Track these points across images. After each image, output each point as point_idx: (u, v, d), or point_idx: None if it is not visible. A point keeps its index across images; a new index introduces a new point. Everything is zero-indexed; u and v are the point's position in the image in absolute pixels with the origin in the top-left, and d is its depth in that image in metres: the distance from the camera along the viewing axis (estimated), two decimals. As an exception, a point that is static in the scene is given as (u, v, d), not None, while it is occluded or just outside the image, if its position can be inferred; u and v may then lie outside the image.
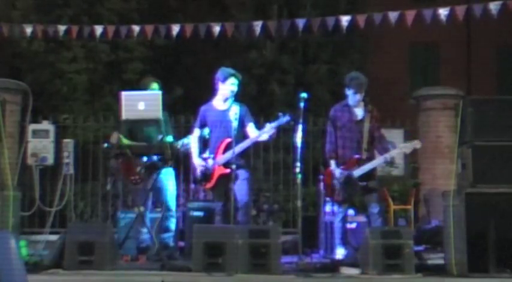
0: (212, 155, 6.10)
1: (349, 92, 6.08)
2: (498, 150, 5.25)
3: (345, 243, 6.10)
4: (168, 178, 6.39)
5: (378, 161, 5.97)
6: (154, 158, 6.03)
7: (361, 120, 6.04)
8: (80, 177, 8.62)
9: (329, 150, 6.13)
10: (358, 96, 6.03)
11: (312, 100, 6.24)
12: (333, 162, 6.05)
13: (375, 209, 5.92)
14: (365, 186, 5.91)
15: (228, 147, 5.95)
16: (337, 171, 5.97)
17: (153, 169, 6.09)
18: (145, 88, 6.47)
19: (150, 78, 6.81)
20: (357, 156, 5.96)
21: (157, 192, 6.36)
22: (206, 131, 6.17)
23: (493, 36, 16.01)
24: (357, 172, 5.89)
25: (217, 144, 6.10)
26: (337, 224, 6.11)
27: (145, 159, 6.02)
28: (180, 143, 6.08)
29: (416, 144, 6.03)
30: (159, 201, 6.51)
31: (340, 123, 6.08)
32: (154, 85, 6.56)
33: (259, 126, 6.23)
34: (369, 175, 5.93)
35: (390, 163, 6.37)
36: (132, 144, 6.11)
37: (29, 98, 6.74)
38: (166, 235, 6.37)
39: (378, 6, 8.91)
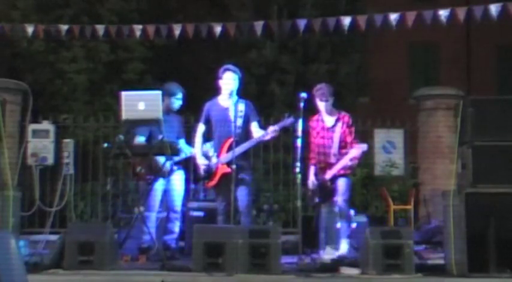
0: (216, 153, 6.10)
1: (317, 101, 6.37)
2: (498, 150, 5.24)
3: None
4: (177, 180, 6.40)
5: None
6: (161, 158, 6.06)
7: (332, 127, 6.34)
8: (80, 177, 8.60)
9: (309, 157, 6.50)
10: (324, 104, 6.32)
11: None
12: (312, 168, 6.43)
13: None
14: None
15: (231, 146, 5.95)
16: (310, 182, 6.40)
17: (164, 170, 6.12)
18: (169, 94, 6.40)
19: (174, 83, 6.63)
20: (327, 161, 6.31)
21: (166, 193, 6.37)
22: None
23: (492, 36, 15.99)
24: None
25: (221, 142, 6.11)
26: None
27: (162, 159, 6.04)
28: (189, 151, 6.27)
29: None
30: (165, 202, 6.50)
31: (315, 132, 6.44)
32: (179, 94, 6.49)
33: (262, 126, 6.24)
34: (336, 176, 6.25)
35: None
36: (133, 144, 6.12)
37: (29, 98, 6.75)
38: (168, 237, 6.37)
39: (378, 6, 8.92)
